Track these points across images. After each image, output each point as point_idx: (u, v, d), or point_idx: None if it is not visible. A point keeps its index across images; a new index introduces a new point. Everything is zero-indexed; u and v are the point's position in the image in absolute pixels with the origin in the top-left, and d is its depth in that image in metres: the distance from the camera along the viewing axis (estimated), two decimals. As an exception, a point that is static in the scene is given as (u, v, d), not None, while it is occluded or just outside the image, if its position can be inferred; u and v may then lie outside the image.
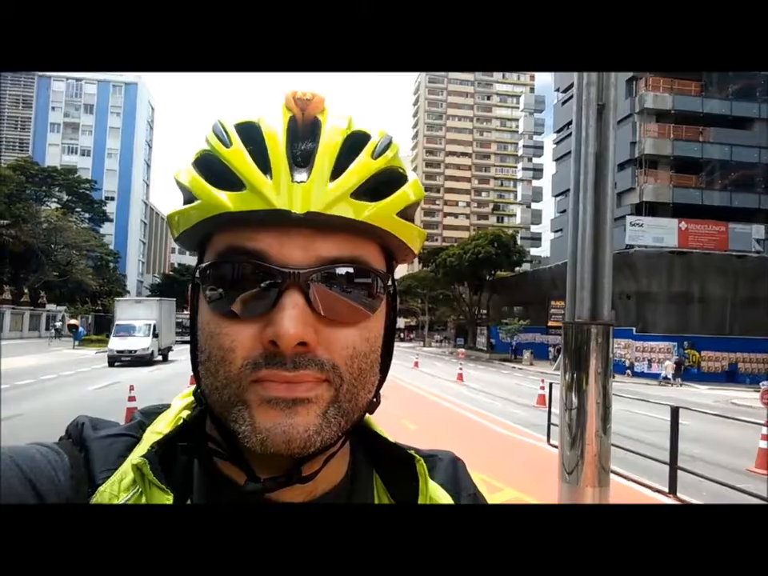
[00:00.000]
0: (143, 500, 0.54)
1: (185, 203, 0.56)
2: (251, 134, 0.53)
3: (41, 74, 76.36)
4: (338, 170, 0.52)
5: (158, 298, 31.85)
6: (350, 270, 0.53)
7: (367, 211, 0.53)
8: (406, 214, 0.57)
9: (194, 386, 0.65)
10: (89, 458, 0.57)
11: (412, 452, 0.65)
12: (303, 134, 0.53)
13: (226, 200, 0.51)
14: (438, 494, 0.64)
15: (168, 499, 0.53)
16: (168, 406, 0.65)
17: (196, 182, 0.54)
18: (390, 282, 0.57)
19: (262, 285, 0.51)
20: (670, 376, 28.67)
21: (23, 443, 0.57)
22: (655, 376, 29.64)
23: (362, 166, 0.53)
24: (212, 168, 0.54)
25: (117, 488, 0.55)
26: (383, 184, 0.55)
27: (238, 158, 0.52)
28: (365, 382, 0.55)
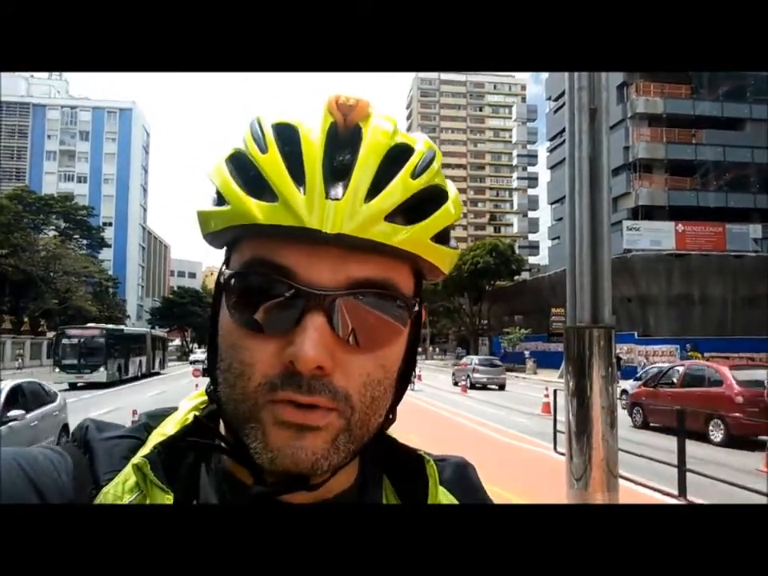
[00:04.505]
0: (147, 501, 0.54)
1: (215, 201, 0.54)
2: (289, 137, 0.51)
3: (36, 102, 76.87)
4: (374, 188, 0.50)
5: None
6: (377, 295, 0.51)
7: (400, 236, 0.50)
8: (441, 234, 0.55)
9: (202, 389, 0.64)
10: (93, 460, 0.57)
11: (422, 452, 0.65)
12: (343, 142, 0.51)
13: (257, 210, 0.49)
14: (446, 497, 0.64)
15: (169, 499, 0.53)
16: (175, 409, 0.64)
17: (227, 185, 0.52)
18: (416, 307, 0.55)
19: (286, 302, 0.50)
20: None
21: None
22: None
23: (400, 187, 0.51)
24: (244, 171, 0.52)
25: (121, 489, 0.55)
26: (422, 203, 0.53)
27: (274, 166, 0.50)
28: (376, 408, 0.54)
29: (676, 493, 7.18)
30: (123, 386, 27.08)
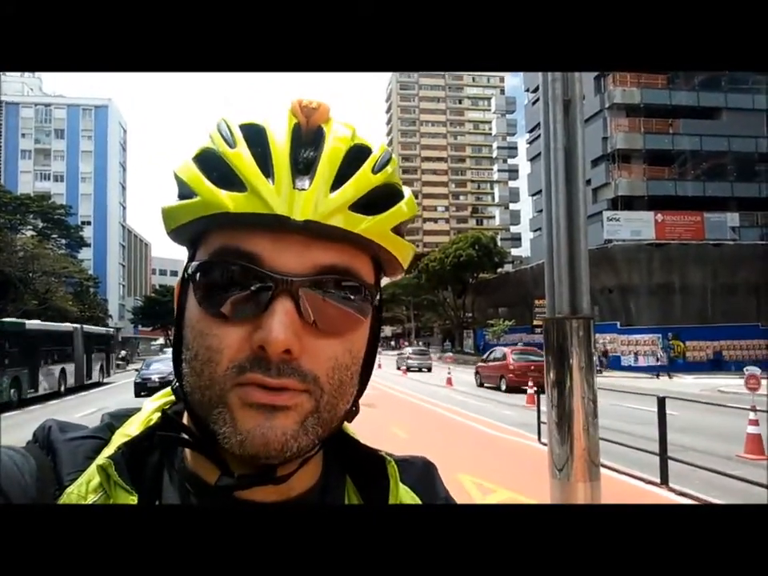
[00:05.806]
0: (111, 502, 0.54)
1: (181, 198, 0.55)
2: (256, 137, 0.53)
3: (8, 100, 75.54)
4: (338, 181, 0.52)
5: None
6: (342, 280, 0.53)
7: (364, 224, 0.53)
8: (399, 229, 0.57)
9: (167, 389, 0.65)
10: (56, 461, 0.57)
11: (383, 453, 0.66)
12: (306, 141, 0.54)
13: (227, 200, 0.51)
14: (408, 497, 0.65)
15: (133, 500, 0.54)
16: (139, 409, 0.64)
17: (196, 178, 0.53)
18: (377, 296, 0.58)
19: (254, 288, 0.51)
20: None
21: None
22: (642, 369, 29.84)
23: (362, 179, 0.54)
24: (213, 166, 0.53)
25: (84, 489, 0.55)
26: (380, 198, 0.55)
27: (241, 159, 0.52)
28: (344, 393, 0.55)
29: (658, 481, 7.25)
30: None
